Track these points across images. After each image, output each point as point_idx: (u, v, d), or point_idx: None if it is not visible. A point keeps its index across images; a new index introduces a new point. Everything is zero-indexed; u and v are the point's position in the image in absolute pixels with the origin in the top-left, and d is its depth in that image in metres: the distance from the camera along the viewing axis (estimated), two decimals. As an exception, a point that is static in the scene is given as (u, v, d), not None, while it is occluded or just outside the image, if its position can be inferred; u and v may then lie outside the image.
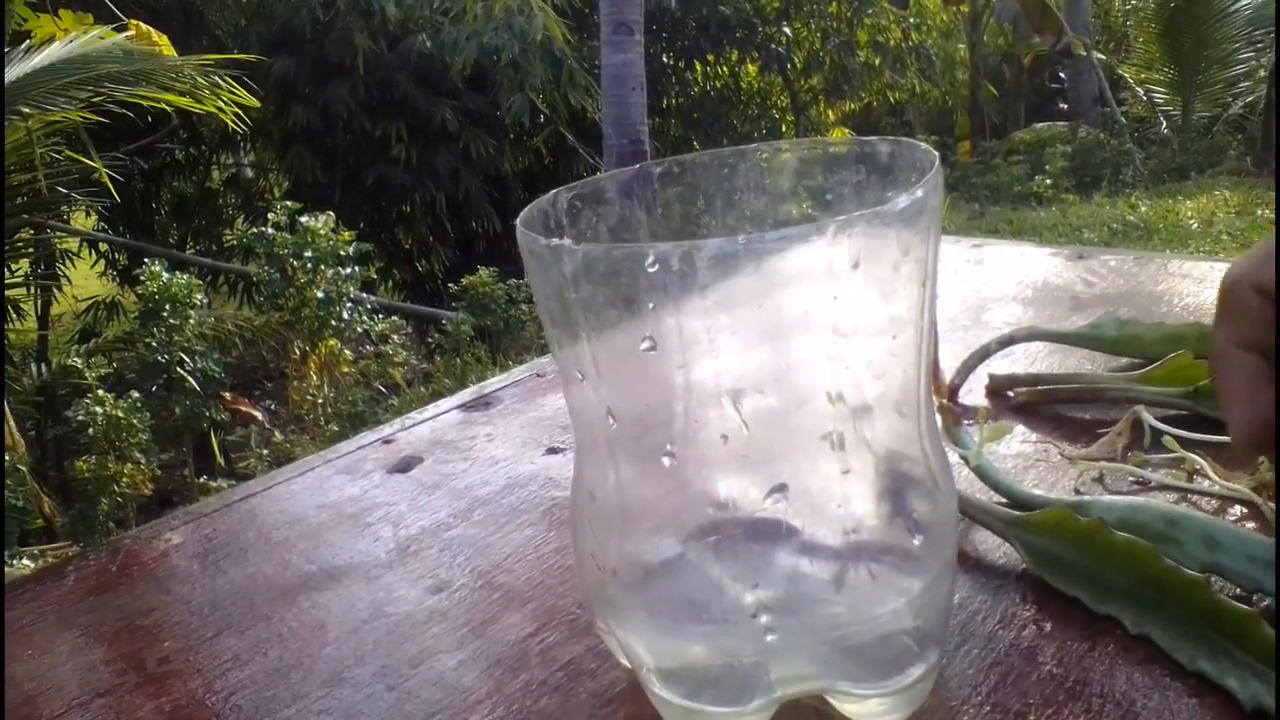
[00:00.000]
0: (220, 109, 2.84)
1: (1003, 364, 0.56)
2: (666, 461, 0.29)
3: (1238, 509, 0.41)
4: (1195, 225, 5.88)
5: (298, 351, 3.96)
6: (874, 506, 0.30)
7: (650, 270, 0.25)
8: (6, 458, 2.77)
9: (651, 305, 0.26)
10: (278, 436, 3.75)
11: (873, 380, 0.28)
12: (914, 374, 0.29)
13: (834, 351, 0.28)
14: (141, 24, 3.04)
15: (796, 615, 0.30)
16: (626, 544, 0.30)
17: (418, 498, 0.50)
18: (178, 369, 3.49)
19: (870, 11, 7.37)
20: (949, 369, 0.54)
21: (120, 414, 3.15)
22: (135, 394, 3.30)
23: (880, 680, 0.30)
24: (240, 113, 2.87)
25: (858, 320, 0.27)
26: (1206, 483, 0.43)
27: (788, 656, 0.30)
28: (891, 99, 8.27)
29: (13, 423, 2.88)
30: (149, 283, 3.50)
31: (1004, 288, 0.73)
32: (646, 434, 0.30)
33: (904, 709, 0.31)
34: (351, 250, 3.97)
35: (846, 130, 8.13)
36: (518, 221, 0.30)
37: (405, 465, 0.54)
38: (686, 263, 0.25)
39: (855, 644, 0.30)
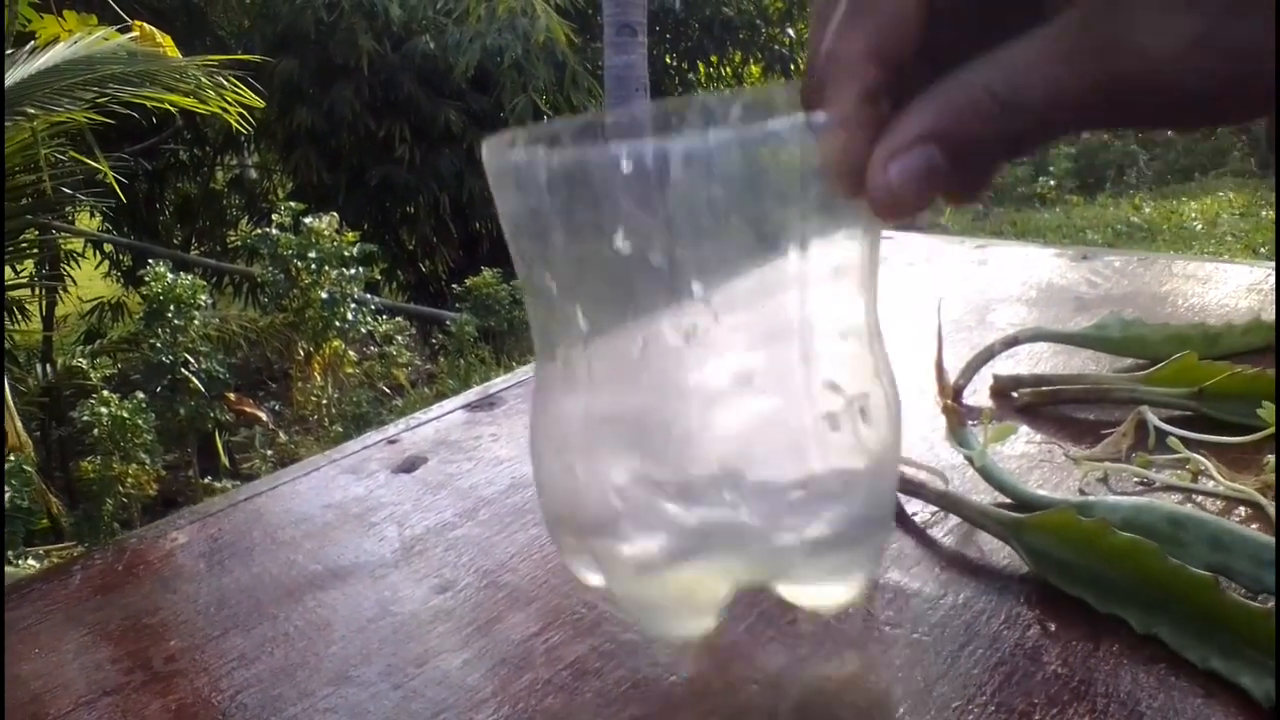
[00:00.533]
0: (224, 110, 2.85)
1: (1007, 365, 0.57)
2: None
3: (1243, 510, 0.41)
4: (1199, 226, 5.87)
5: (302, 352, 3.97)
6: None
7: (623, 174, 0.25)
8: (13, 458, 2.78)
9: (623, 219, 0.26)
10: (282, 437, 3.76)
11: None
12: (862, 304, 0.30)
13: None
14: (145, 25, 3.05)
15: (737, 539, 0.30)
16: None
17: (422, 498, 0.50)
18: (182, 370, 3.50)
19: (874, 13, 7.37)
20: (953, 370, 0.54)
21: (125, 415, 3.16)
22: (140, 395, 3.31)
23: (825, 575, 0.32)
24: (244, 113, 2.88)
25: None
26: (1211, 483, 0.43)
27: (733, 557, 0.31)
28: (895, 100, 8.26)
29: (19, 423, 2.89)
30: (153, 284, 3.51)
31: (1008, 289, 0.73)
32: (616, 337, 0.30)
33: (852, 591, 0.32)
34: (356, 251, 3.98)
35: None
36: (484, 142, 0.29)
37: (410, 465, 0.54)
38: (659, 162, 0.25)
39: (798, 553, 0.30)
